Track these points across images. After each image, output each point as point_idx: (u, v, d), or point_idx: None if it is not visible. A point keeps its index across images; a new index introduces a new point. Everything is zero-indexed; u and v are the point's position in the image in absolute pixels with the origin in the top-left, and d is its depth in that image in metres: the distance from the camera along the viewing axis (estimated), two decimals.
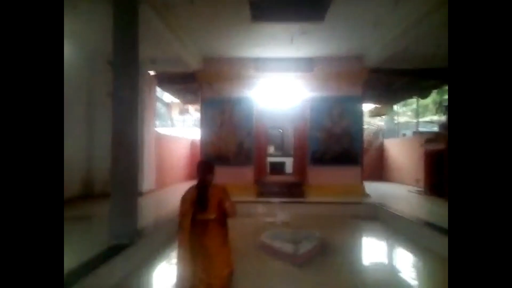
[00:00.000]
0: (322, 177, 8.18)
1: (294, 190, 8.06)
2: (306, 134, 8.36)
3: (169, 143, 10.50)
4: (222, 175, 7.76)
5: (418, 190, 8.72)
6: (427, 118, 15.74)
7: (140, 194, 7.78)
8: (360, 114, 8.32)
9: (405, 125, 15.20)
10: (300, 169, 8.74)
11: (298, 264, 4.04)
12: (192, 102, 12.56)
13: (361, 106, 8.28)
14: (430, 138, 8.15)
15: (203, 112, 8.40)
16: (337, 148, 8.24)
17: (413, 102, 15.55)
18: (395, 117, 12.64)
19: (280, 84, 8.33)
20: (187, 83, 9.67)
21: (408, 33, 6.23)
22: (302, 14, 5.54)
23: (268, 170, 9.68)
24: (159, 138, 9.39)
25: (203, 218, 2.58)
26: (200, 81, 8.34)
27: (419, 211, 6.38)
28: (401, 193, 8.82)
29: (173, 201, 7.48)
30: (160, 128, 16.61)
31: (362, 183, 8.19)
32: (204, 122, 8.37)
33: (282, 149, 11.98)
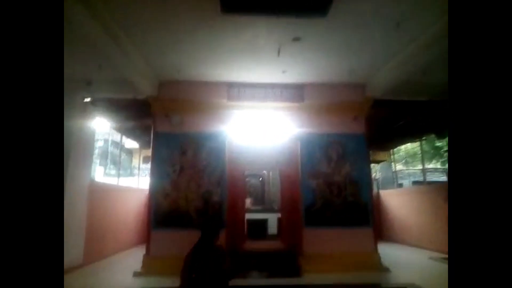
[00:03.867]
0: (322, 243, 5.84)
1: (286, 264, 5.61)
2: (298, 182, 6.20)
3: (114, 197, 7.89)
4: (177, 243, 5.34)
5: (444, 258, 6.56)
6: (421, 166, 14.28)
7: None
8: (365, 157, 6.37)
9: (399, 174, 13.55)
10: (291, 231, 6.37)
11: None
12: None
13: (366, 147, 6.39)
14: None
15: (155, 152, 6.09)
16: (340, 202, 6.08)
17: (399, 149, 14.22)
18: (392, 165, 10.91)
19: (261, 117, 6.35)
20: (142, 116, 7.52)
21: (429, 50, 4.64)
22: (297, 3, 3.74)
23: (245, 232, 7.19)
24: (97, 190, 6.83)
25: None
26: (154, 111, 6.20)
27: None
28: (423, 262, 6.59)
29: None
30: (120, 179, 13.98)
31: (377, 251, 5.92)
32: (156, 165, 6.03)
33: (262, 202, 9.61)
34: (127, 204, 8.65)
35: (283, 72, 5.67)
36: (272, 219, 8.49)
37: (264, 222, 8.35)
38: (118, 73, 5.49)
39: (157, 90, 6.15)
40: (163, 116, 6.15)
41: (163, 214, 5.86)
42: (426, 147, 15.01)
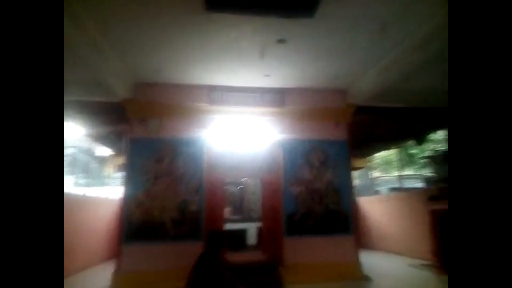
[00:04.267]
0: (304, 253, 5.67)
1: (267, 277, 5.36)
2: (280, 190, 6.02)
3: (82, 208, 7.30)
4: (151, 258, 5.02)
5: (425, 265, 6.58)
6: (395, 173, 14.64)
7: None
8: (347, 164, 6.30)
9: (375, 181, 13.79)
10: (272, 241, 6.15)
11: None
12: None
13: (348, 154, 6.34)
14: (435, 195, 6.33)
15: (129, 159, 5.70)
16: (321, 210, 5.96)
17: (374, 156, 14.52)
18: (370, 172, 11.04)
19: (243, 122, 6.16)
20: (116, 121, 7.08)
21: (411, 56, 4.69)
22: (283, 4, 3.62)
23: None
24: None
25: None
26: (129, 115, 5.83)
27: None
28: (404, 269, 6.58)
29: None
30: (91, 189, 13.20)
31: (358, 260, 5.82)
32: (130, 173, 5.63)
33: (241, 211, 9.33)
34: (97, 216, 8.06)
35: (266, 75, 5.53)
36: (252, 229, 8.22)
37: (243, 232, 8.06)
38: (91, 73, 5.10)
39: (133, 92, 5.80)
40: (139, 120, 5.80)
41: (135, 226, 5.46)
42: (400, 154, 15.45)
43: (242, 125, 6.13)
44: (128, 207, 5.52)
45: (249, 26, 4.03)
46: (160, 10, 3.77)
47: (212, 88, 5.97)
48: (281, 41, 4.35)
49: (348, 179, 6.22)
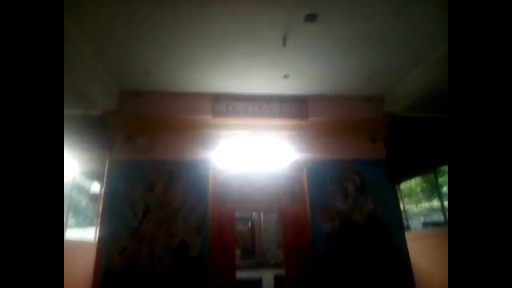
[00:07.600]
0: None
1: None
2: (306, 225, 4.58)
3: None
4: None
5: None
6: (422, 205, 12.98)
7: None
8: (391, 189, 4.94)
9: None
10: None
11: None
12: None
13: (389, 176, 4.98)
14: None
15: (109, 187, 4.37)
16: (364, 251, 4.47)
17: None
18: (401, 202, 9.44)
19: (255, 139, 4.90)
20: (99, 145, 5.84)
21: None
22: None
23: None
24: None
25: None
26: (112, 132, 4.60)
27: None
28: None
29: None
30: (81, 230, 11.71)
31: None
32: (111, 206, 4.27)
33: (253, 255, 7.66)
34: (75, 264, 6.51)
35: (285, 76, 4.38)
36: (268, 278, 6.56)
37: (258, 284, 6.40)
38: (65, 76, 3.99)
39: (117, 103, 4.63)
40: (124, 138, 4.56)
41: (116, 278, 4.00)
42: (425, 184, 13.85)
43: (255, 143, 4.87)
44: (107, 252, 4.09)
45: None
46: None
47: (217, 97, 4.80)
48: (311, 17, 3.22)
49: (395, 208, 4.82)
